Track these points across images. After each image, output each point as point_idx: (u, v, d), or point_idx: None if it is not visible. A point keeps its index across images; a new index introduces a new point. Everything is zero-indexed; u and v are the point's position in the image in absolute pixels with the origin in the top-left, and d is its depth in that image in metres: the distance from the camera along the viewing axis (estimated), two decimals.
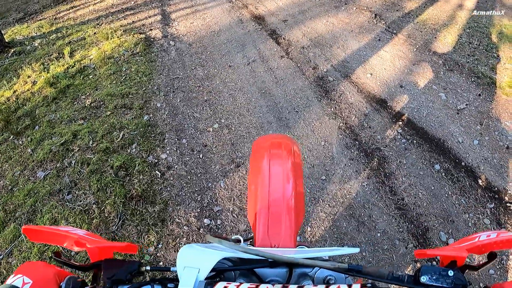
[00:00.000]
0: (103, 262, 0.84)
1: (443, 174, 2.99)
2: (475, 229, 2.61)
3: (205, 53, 4.97)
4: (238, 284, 0.68)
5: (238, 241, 1.20)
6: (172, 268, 0.85)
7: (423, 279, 0.70)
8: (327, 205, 2.87)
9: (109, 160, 3.34)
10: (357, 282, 0.84)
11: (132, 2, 7.40)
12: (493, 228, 2.61)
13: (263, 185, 1.29)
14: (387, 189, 2.93)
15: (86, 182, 3.18)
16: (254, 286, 0.67)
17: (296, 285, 0.67)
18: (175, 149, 3.46)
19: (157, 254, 2.67)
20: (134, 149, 3.45)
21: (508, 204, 2.73)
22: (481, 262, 0.78)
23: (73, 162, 3.39)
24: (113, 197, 3.02)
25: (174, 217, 2.89)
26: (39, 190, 3.21)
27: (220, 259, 0.77)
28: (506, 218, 2.66)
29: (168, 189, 3.10)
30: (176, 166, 3.29)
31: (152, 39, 5.52)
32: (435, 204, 2.78)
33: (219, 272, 0.86)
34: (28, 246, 2.81)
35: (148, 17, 6.51)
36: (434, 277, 0.70)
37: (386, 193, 2.90)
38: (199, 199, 3.02)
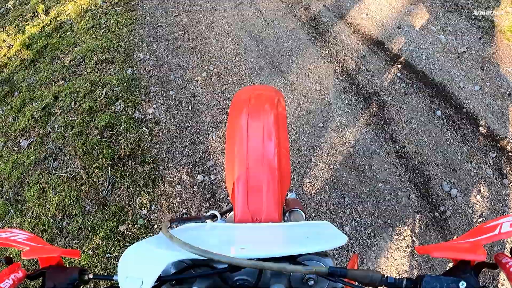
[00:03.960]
0: (47, 270, 0.75)
1: (445, 120, 2.88)
2: (477, 179, 2.54)
3: None
4: None
5: (215, 216, 1.12)
6: (114, 277, 0.74)
7: None
8: (325, 154, 2.76)
9: (93, 120, 3.14)
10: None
11: None
12: (496, 179, 2.55)
13: (241, 144, 1.14)
14: (388, 136, 2.83)
15: (71, 147, 3.00)
16: None
17: None
18: (162, 102, 3.24)
19: (151, 217, 2.55)
20: (119, 106, 3.23)
21: (510, 154, 2.66)
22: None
23: (56, 126, 3.19)
24: (100, 159, 2.85)
25: (166, 175, 2.73)
26: (24, 161, 3.04)
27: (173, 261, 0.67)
28: (509, 168, 2.60)
29: (158, 146, 2.92)
30: (164, 121, 3.09)
31: None
32: (437, 152, 2.70)
33: (169, 280, 0.73)
34: (19, 221, 2.71)
35: None
36: None
37: (386, 141, 2.80)
38: (190, 154, 2.85)
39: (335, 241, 0.76)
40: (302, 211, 1.40)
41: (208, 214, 1.12)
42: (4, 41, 4.56)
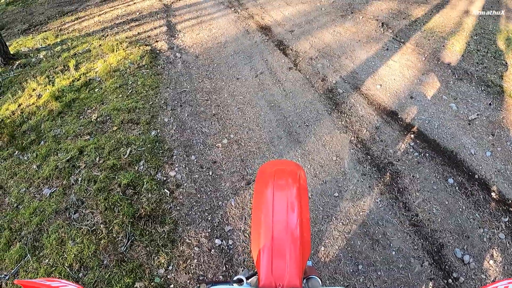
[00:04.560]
0: None
1: (457, 188, 2.93)
2: (490, 244, 2.56)
3: (212, 65, 4.92)
4: None
5: (241, 281, 1.17)
6: None
7: None
8: (340, 223, 2.81)
9: (116, 177, 3.27)
10: None
11: (137, 13, 7.37)
12: (508, 243, 2.57)
13: (267, 216, 1.24)
14: (401, 205, 2.87)
15: (93, 201, 3.11)
16: None
17: None
18: (183, 166, 3.39)
19: (168, 276, 2.60)
20: (142, 166, 3.38)
21: None
22: None
23: (79, 179, 3.32)
24: (121, 216, 2.95)
25: (185, 237, 2.82)
26: (45, 208, 3.14)
27: None
28: None
29: (178, 208, 3.03)
30: (185, 184, 3.22)
31: (158, 51, 5.47)
32: (450, 220, 2.73)
33: None
34: (35, 267, 2.75)
35: (154, 28, 6.47)
36: None
37: (400, 209, 2.84)
38: (209, 218, 2.95)
39: None
40: (319, 278, 1.49)
41: (235, 278, 1.20)
42: (34, 89, 4.79)
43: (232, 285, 1.15)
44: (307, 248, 1.25)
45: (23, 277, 2.76)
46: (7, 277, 2.78)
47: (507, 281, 0.77)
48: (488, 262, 2.48)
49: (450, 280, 2.41)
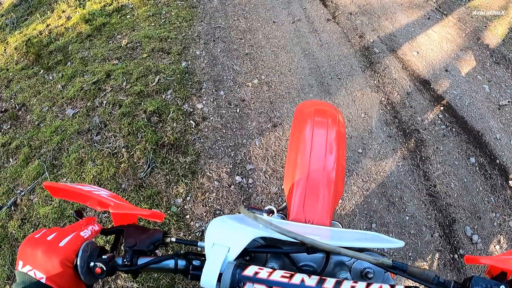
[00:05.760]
0: (126, 228, 0.78)
1: (477, 168, 2.88)
2: (499, 229, 2.55)
3: (248, 5, 4.71)
4: (270, 270, 0.63)
5: (271, 212, 1.22)
6: (199, 243, 0.78)
7: None
8: (360, 180, 2.77)
9: (142, 104, 3.18)
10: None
11: None
12: None
13: (304, 154, 1.22)
14: (421, 173, 2.84)
15: (116, 125, 3.04)
16: (288, 275, 0.62)
17: (335, 279, 0.61)
18: (211, 100, 3.28)
19: (184, 207, 2.56)
20: (169, 96, 3.28)
21: None
22: None
23: (104, 102, 3.25)
24: (143, 142, 2.87)
25: (206, 170, 2.75)
26: (67, 128, 3.09)
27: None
28: None
29: (202, 140, 2.94)
30: (211, 118, 3.12)
31: None
32: (465, 197, 2.70)
33: (248, 252, 0.77)
34: None
35: None
36: None
37: (419, 177, 2.81)
38: (232, 154, 2.88)
39: (393, 242, 0.80)
40: (341, 224, 1.45)
41: (266, 208, 1.21)
42: (63, 11, 4.67)
43: (262, 214, 1.15)
44: (339, 193, 1.22)
45: (39, 194, 2.73)
46: (22, 193, 2.76)
47: None
48: (494, 246, 2.47)
49: (456, 256, 2.42)
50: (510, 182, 2.79)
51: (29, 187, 2.77)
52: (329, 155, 1.20)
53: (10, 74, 3.89)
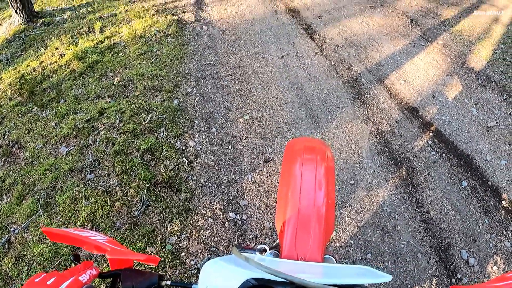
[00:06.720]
0: (122, 271, 0.82)
1: (469, 191, 2.93)
2: (495, 250, 2.58)
3: (238, 42, 4.84)
4: None
5: (264, 250, 1.25)
6: (193, 286, 0.83)
7: None
8: (353, 211, 2.81)
9: (135, 142, 3.24)
10: None
11: None
12: None
13: (294, 191, 1.26)
14: (414, 200, 2.88)
15: (110, 163, 3.08)
16: None
17: None
18: (204, 137, 3.35)
19: (179, 244, 2.58)
20: (162, 133, 3.34)
21: None
22: None
23: (97, 140, 3.29)
24: (137, 181, 2.92)
25: (199, 207, 2.79)
26: (61, 166, 3.12)
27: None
28: None
29: (195, 178, 2.99)
30: (204, 155, 3.18)
31: (184, 22, 5.39)
32: (459, 221, 2.75)
33: None
34: (46, 223, 2.74)
35: None
36: None
37: (412, 204, 2.85)
38: (226, 191, 2.92)
39: (381, 277, 0.85)
40: (334, 258, 1.49)
41: (259, 247, 1.25)
42: (57, 48, 4.75)
43: (255, 253, 1.17)
44: (330, 228, 1.26)
45: (33, 232, 2.75)
46: (16, 231, 2.77)
47: None
48: (491, 267, 2.50)
49: (453, 280, 2.44)
50: (503, 202, 2.85)
51: (23, 225, 2.78)
52: (318, 191, 1.25)
53: (4, 110, 3.93)
